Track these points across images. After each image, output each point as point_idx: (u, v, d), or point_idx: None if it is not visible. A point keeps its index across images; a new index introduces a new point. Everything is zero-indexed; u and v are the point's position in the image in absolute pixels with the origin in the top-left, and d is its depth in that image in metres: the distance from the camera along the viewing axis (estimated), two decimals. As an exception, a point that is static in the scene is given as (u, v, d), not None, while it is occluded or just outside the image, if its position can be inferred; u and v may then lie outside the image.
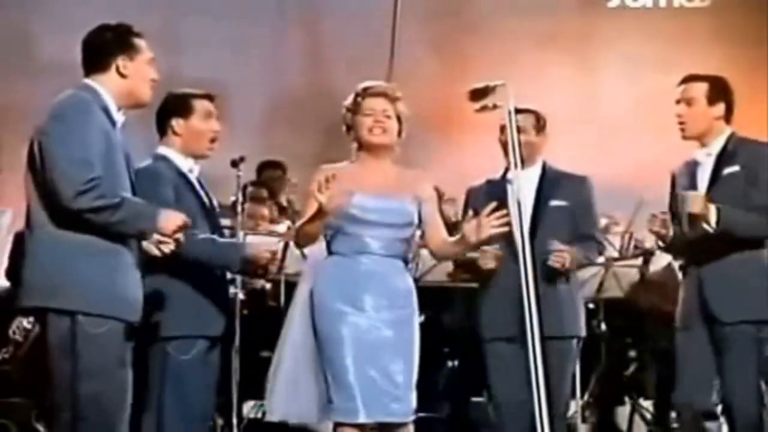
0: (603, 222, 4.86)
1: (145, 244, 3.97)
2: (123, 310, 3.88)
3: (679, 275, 5.19)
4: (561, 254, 4.88)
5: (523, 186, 4.91)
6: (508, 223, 4.18)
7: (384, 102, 4.34)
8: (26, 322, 6.14)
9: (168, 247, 3.92)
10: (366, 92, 4.37)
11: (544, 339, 4.37)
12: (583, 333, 5.11)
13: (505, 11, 9.61)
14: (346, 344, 4.17)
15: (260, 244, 6.32)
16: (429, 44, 9.57)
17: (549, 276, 4.88)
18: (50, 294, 3.81)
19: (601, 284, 7.01)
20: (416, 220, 4.37)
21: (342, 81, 9.01)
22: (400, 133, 4.38)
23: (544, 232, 4.90)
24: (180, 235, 3.92)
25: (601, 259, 6.85)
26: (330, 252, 4.33)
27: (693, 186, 4.72)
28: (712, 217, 4.50)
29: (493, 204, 4.20)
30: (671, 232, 4.64)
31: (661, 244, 4.77)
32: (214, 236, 4.49)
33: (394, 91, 4.40)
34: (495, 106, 4.30)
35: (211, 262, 4.46)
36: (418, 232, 4.50)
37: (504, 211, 4.20)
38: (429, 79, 8.79)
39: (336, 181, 4.04)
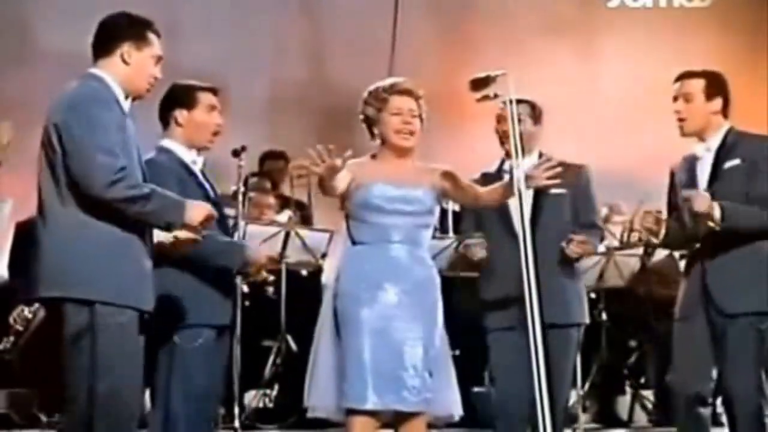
0: (604, 211, 4.84)
1: (162, 236, 3.96)
2: (140, 300, 3.86)
3: (681, 264, 5.20)
4: (582, 245, 4.92)
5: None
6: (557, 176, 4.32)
7: (410, 101, 4.32)
8: (27, 312, 6.15)
9: (189, 239, 3.91)
10: (393, 89, 4.33)
11: (544, 327, 4.38)
12: (587, 320, 5.13)
13: (508, 0, 9.60)
14: (362, 330, 4.14)
15: (262, 234, 6.39)
16: (431, 33, 9.56)
17: (551, 264, 4.88)
18: (69, 284, 3.76)
19: (602, 273, 7.02)
20: (435, 208, 4.39)
21: (344, 70, 9.02)
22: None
23: (545, 221, 4.91)
24: (203, 231, 3.91)
25: (602, 248, 6.89)
26: (353, 242, 4.33)
27: (693, 181, 4.75)
28: (717, 215, 4.52)
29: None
30: (663, 229, 4.67)
31: (654, 240, 4.80)
32: (217, 234, 4.45)
33: (418, 88, 4.37)
34: (496, 96, 4.29)
35: (213, 261, 4.41)
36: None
37: (553, 162, 4.34)
38: (431, 68, 8.77)
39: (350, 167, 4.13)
